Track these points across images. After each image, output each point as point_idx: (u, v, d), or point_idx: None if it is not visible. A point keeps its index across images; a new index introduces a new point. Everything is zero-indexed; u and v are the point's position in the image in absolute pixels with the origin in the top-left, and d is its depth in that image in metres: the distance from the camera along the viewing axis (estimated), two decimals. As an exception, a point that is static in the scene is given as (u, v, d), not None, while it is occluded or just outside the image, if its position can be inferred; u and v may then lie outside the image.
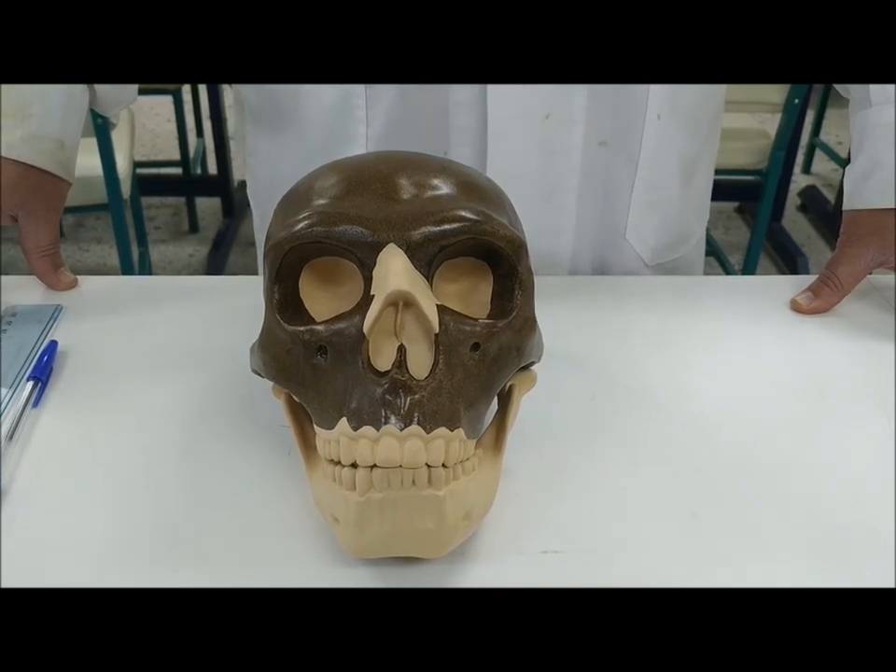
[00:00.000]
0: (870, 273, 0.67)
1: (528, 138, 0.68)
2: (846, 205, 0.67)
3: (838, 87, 0.72)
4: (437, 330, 0.40)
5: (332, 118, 0.70)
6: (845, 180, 0.68)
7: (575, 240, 0.75)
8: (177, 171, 2.64)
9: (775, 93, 1.94)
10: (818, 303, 0.66)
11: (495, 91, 0.66)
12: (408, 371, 0.39)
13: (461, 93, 0.67)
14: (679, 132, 0.73)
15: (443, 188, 0.44)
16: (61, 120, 0.65)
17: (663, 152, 0.73)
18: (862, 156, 0.66)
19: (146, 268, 2.15)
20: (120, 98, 0.72)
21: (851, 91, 0.68)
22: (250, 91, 0.76)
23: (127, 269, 1.94)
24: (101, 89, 0.69)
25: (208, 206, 2.77)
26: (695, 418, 0.54)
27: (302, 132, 0.72)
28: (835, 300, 0.66)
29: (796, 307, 0.67)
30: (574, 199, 0.72)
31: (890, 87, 0.64)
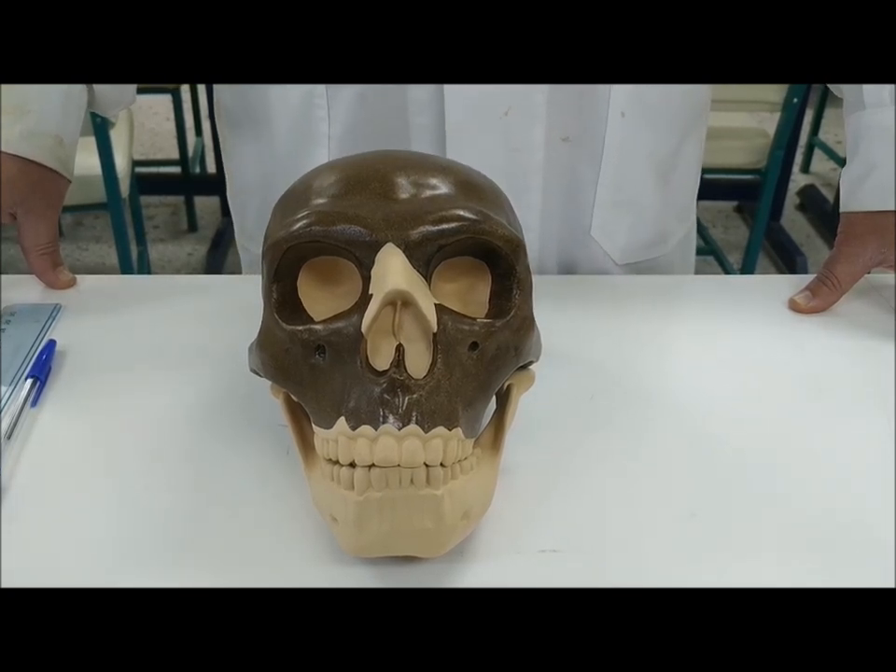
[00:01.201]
0: (868, 273, 0.67)
1: (488, 135, 0.68)
2: (842, 208, 0.67)
3: (832, 87, 0.72)
4: (435, 330, 0.40)
5: (296, 118, 0.70)
6: (841, 182, 0.68)
7: (541, 238, 0.74)
8: (176, 170, 2.64)
9: (773, 93, 1.94)
10: (816, 303, 0.66)
11: (452, 88, 0.65)
12: (406, 371, 0.39)
13: (419, 92, 0.67)
14: (648, 131, 0.72)
15: (442, 187, 0.44)
16: (59, 117, 0.65)
17: (629, 151, 0.71)
18: (858, 159, 0.66)
19: (144, 267, 2.15)
20: (119, 100, 0.72)
21: (844, 93, 0.68)
22: (226, 96, 0.77)
23: (126, 268, 1.94)
24: (99, 89, 0.69)
25: (207, 205, 2.77)
26: (694, 418, 0.54)
27: (270, 133, 0.73)
28: (834, 299, 0.66)
29: (794, 306, 0.67)
30: (539, 196, 0.72)
31: (884, 88, 0.64)
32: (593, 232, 0.75)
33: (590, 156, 0.71)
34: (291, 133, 0.71)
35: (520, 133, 0.68)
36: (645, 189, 0.75)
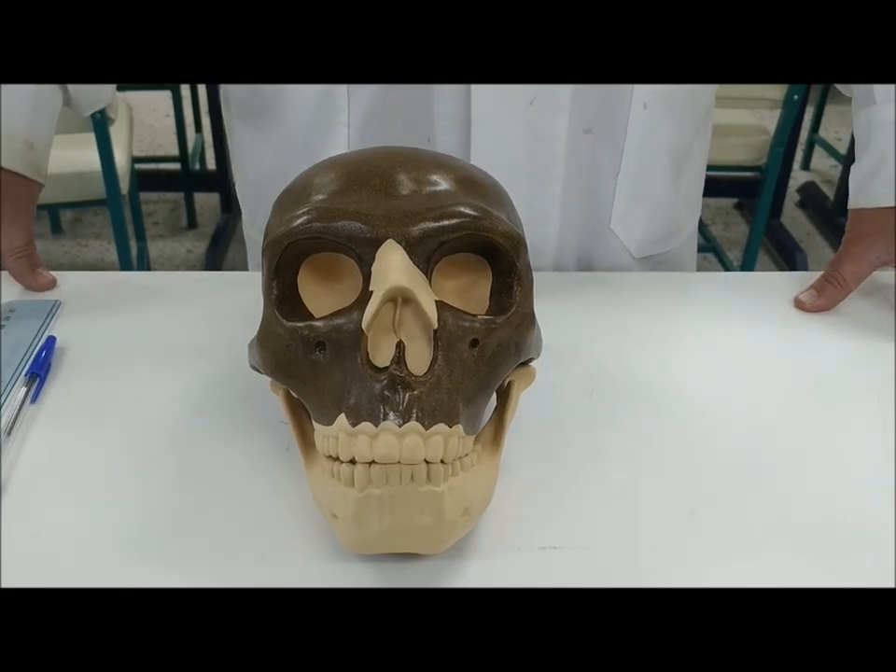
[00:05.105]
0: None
1: (513, 124, 0.68)
2: (851, 204, 0.67)
3: (839, 85, 0.72)
4: (435, 326, 0.40)
5: (313, 107, 0.70)
6: (850, 178, 0.67)
7: (560, 231, 0.74)
8: (176, 166, 2.64)
9: (774, 90, 1.94)
10: (821, 302, 0.66)
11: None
12: (406, 368, 0.39)
13: None
14: (667, 122, 0.72)
15: (442, 183, 0.44)
16: (28, 121, 0.64)
17: (649, 142, 0.72)
18: (868, 154, 0.65)
19: (144, 264, 2.15)
20: (96, 99, 0.71)
21: (853, 88, 0.68)
22: (235, 86, 0.76)
23: (125, 264, 1.94)
24: (74, 89, 0.68)
25: (206, 202, 2.76)
26: (695, 415, 0.54)
27: (285, 122, 0.72)
28: (839, 298, 0.66)
29: (799, 305, 0.66)
30: (559, 188, 0.71)
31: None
32: (612, 225, 0.75)
33: (611, 147, 0.71)
34: (307, 122, 0.71)
35: (544, 123, 0.68)
36: (662, 181, 0.75)
